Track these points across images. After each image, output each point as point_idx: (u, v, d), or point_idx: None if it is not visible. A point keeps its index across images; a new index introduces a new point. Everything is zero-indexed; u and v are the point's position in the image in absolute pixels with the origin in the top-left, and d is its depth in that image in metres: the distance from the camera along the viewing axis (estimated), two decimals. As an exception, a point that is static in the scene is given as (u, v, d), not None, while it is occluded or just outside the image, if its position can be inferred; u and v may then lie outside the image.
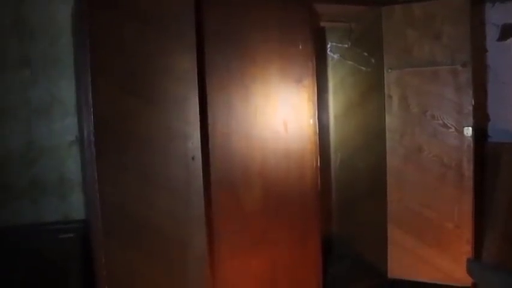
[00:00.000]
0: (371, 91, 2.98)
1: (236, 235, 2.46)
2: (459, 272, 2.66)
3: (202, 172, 2.25)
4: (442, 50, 2.65)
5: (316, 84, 2.59)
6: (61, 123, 2.65)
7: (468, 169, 2.64)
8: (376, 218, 2.94)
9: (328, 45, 3.16)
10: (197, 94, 2.20)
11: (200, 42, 2.26)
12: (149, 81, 2.17)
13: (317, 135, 2.61)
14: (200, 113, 2.23)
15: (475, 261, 2.08)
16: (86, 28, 2.12)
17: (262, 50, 2.46)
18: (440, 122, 2.68)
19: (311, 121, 2.58)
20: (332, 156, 3.33)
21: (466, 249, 2.65)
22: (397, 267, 2.86)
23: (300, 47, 2.54)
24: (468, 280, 2.63)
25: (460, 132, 2.64)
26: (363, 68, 2.98)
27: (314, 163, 2.61)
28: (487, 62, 3.08)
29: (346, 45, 3.09)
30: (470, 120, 2.62)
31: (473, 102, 2.61)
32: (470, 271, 2.21)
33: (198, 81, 2.22)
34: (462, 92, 2.62)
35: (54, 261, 2.38)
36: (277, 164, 2.53)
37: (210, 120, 2.32)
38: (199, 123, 2.22)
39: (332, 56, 3.17)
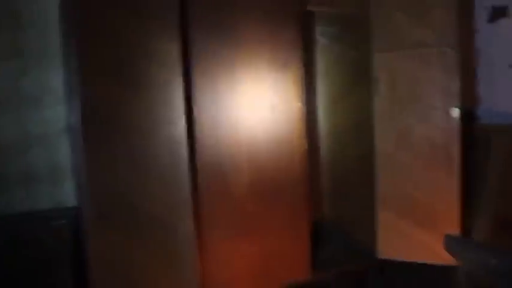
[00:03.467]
0: (361, 75, 2.98)
1: (225, 220, 2.50)
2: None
3: (188, 157, 2.28)
4: (430, 33, 2.65)
5: (303, 68, 2.60)
6: (52, 111, 2.66)
7: (456, 151, 2.65)
8: (367, 201, 2.96)
9: (317, 30, 3.16)
10: (182, 80, 2.23)
11: (185, 28, 2.27)
12: (135, 68, 2.20)
13: (305, 119, 2.63)
14: (185, 99, 2.26)
15: (451, 236, 2.11)
16: (71, 16, 2.14)
17: (249, 35, 2.47)
18: (429, 104, 2.69)
19: (299, 105, 2.60)
20: (323, 139, 3.34)
21: (454, 230, 2.68)
22: (387, 248, 2.89)
23: (287, 31, 2.55)
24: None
25: (448, 114, 2.65)
26: (352, 52, 2.99)
27: (302, 147, 2.63)
28: (477, 44, 3.08)
29: (335, 29, 3.08)
30: (458, 102, 2.63)
31: (460, 84, 2.62)
32: (447, 246, 2.25)
33: (183, 67, 2.24)
34: (450, 74, 2.63)
35: (46, 248, 2.41)
36: (266, 149, 2.55)
37: (195, 106, 2.34)
38: (183, 108, 2.25)
39: (321, 40, 3.16)
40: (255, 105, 2.50)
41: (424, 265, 2.76)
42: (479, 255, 1.99)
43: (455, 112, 2.63)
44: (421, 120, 2.72)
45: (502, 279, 1.91)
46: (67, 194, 2.72)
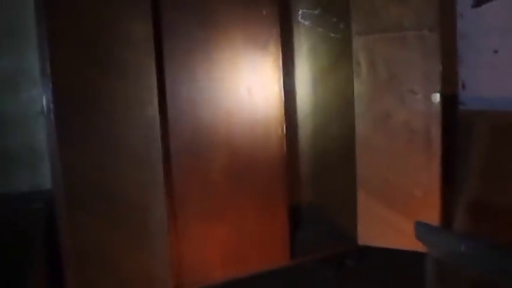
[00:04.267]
0: (342, 57, 2.95)
1: (200, 202, 2.49)
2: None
3: (161, 138, 2.26)
4: (410, 15, 2.60)
5: (281, 50, 2.57)
6: (28, 94, 2.63)
7: (436, 136, 2.62)
8: (348, 185, 2.93)
9: (299, 12, 3.12)
10: (153, 61, 2.20)
11: (157, 8, 2.24)
12: (106, 49, 2.19)
13: (283, 102, 2.60)
14: (158, 80, 2.24)
15: (421, 223, 2.08)
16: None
17: (224, 15, 2.45)
18: (408, 88, 2.66)
19: (276, 88, 2.57)
20: (302, 123, 3.32)
21: (433, 216, 2.64)
22: (367, 233, 2.87)
23: (265, 12, 2.52)
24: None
25: (428, 98, 2.61)
26: (333, 35, 2.95)
27: (280, 130, 2.61)
28: (461, 29, 3.03)
29: (316, 11, 3.05)
30: (438, 86, 2.59)
31: (441, 68, 2.59)
32: (417, 233, 2.21)
33: (155, 48, 2.21)
34: (430, 58, 2.58)
35: (23, 232, 2.40)
36: (243, 132, 2.54)
37: (168, 87, 2.31)
38: (156, 90, 2.23)
39: (303, 23, 3.12)
40: (231, 86, 2.48)
41: (404, 252, 2.74)
42: (448, 242, 1.97)
43: (436, 97, 2.60)
44: (401, 104, 2.68)
45: (470, 265, 1.89)
46: (45, 177, 2.69)
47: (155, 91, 2.22)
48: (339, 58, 3.00)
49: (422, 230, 2.12)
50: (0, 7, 2.56)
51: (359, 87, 2.78)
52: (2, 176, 2.63)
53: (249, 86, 2.51)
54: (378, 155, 2.79)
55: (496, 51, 2.90)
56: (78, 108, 2.17)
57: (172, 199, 2.39)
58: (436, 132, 2.62)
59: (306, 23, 3.11)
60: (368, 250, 2.88)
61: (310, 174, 3.36)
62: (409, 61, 2.64)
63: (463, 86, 3.06)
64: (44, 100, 2.25)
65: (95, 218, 2.22)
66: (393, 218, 2.78)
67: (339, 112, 3.05)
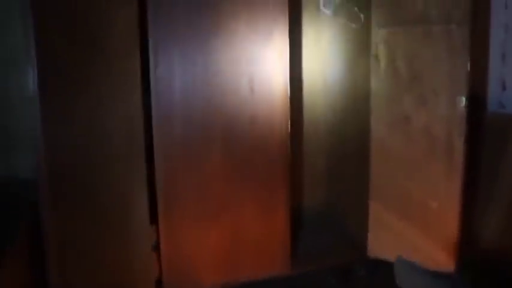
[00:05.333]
0: (361, 51, 2.68)
1: (192, 202, 2.32)
2: (442, 256, 2.40)
3: (144, 133, 2.11)
4: (437, 6, 2.29)
5: (289, 40, 2.34)
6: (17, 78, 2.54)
7: (459, 144, 2.31)
8: (360, 190, 2.70)
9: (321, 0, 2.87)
10: (138, 49, 2.04)
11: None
12: (91, 35, 2.04)
13: (288, 97, 2.38)
14: (144, 70, 2.08)
15: (402, 259, 1.86)
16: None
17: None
18: (430, 89, 2.36)
19: (281, 82, 2.35)
20: (312, 120, 3.09)
21: (450, 232, 2.37)
22: (378, 245, 2.63)
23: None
24: (451, 264, 2.38)
25: (452, 101, 2.31)
26: (353, 25, 2.68)
27: (284, 128, 2.39)
28: (505, 20, 2.68)
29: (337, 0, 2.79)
30: (465, 89, 2.29)
31: (468, 69, 2.28)
32: (396, 269, 2.02)
33: (141, 34, 2.05)
34: (457, 56, 2.27)
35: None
36: (242, 129, 2.34)
37: (154, 78, 2.14)
38: (140, 80, 2.07)
39: (323, 11, 2.87)
40: (230, 79, 2.28)
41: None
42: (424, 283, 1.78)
43: (461, 100, 2.30)
44: (421, 107, 2.39)
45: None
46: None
47: (138, 82, 2.06)
48: (357, 51, 2.73)
49: (401, 266, 1.93)
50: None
51: (376, 85, 2.52)
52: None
53: (250, 78, 2.30)
54: (394, 161, 2.53)
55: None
56: (62, 94, 2.05)
57: (161, 197, 2.25)
58: (459, 139, 2.31)
59: (327, 11, 2.86)
60: (378, 262, 2.64)
61: (319, 176, 3.14)
62: (433, 59, 2.34)
63: (504, 87, 2.73)
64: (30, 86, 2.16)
65: (77, 211, 2.12)
66: (407, 231, 2.52)
67: (355, 111, 2.79)
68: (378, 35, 2.46)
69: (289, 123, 2.40)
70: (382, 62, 2.47)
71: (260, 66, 2.31)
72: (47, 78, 2.01)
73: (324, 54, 3.06)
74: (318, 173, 3.16)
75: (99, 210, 2.15)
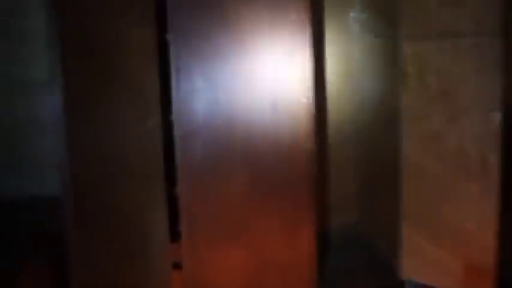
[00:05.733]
0: (389, 66, 2.60)
1: (215, 223, 2.28)
2: (477, 281, 2.27)
3: (164, 152, 2.12)
4: (467, 18, 2.20)
5: (312, 57, 2.29)
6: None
7: (493, 163, 2.20)
8: (393, 209, 2.59)
9: (350, 16, 2.80)
10: (157, 69, 2.06)
11: (162, 8, 2.08)
12: (109, 55, 2.07)
13: (313, 116, 2.32)
14: (164, 90, 2.09)
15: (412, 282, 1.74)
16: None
17: (245, 15, 2.20)
18: (462, 105, 2.25)
19: (305, 100, 2.30)
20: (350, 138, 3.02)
21: (486, 256, 2.24)
22: (411, 268, 2.50)
23: (293, 13, 2.25)
24: (488, 291, 2.24)
25: (485, 118, 2.20)
26: (381, 41, 2.60)
27: (309, 146, 2.33)
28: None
29: (365, 15, 2.72)
30: (498, 105, 2.17)
31: (503, 83, 2.16)
32: None
33: (159, 54, 2.06)
34: (490, 70, 2.16)
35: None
36: (265, 147, 2.29)
37: (175, 97, 2.14)
38: (159, 100, 2.08)
39: (352, 27, 2.81)
40: (252, 98, 2.26)
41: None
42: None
43: (495, 117, 2.17)
44: (452, 124, 2.29)
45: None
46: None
47: (157, 102, 2.07)
48: (388, 67, 2.65)
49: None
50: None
51: (406, 102, 2.42)
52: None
53: (273, 96, 2.26)
54: (426, 182, 2.41)
55: None
56: (84, 117, 2.08)
57: (184, 216, 2.24)
58: (493, 158, 2.20)
59: (356, 27, 2.79)
60: (412, 286, 2.52)
61: (348, 195, 3.05)
62: (464, 73, 2.23)
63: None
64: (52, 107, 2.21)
65: (97, 229, 2.13)
66: (441, 255, 2.39)
67: (386, 128, 2.69)
68: (407, 49, 2.37)
69: (313, 141, 2.34)
70: (411, 77, 2.38)
71: (283, 83, 2.27)
72: (72, 100, 2.05)
73: (352, 70, 2.99)
74: (347, 192, 3.07)
75: (118, 229, 2.15)
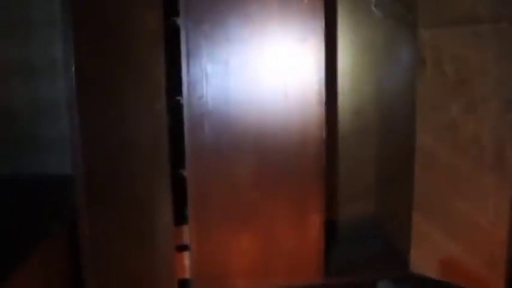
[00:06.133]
0: (408, 53, 2.52)
1: (223, 206, 2.31)
2: (489, 276, 2.20)
3: (170, 137, 2.14)
4: (485, 3, 2.10)
5: (324, 43, 2.25)
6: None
7: (510, 153, 2.11)
8: (406, 200, 2.53)
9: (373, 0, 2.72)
10: (163, 53, 2.07)
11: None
12: (121, 40, 2.09)
13: (323, 104, 2.29)
14: (173, 75, 2.11)
15: (386, 282, 1.68)
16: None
17: (258, 5, 2.20)
18: (480, 94, 2.17)
19: (316, 87, 2.27)
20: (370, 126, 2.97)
21: (499, 253, 2.16)
22: (421, 261, 2.45)
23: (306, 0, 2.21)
24: (498, 285, 2.16)
25: (503, 108, 2.10)
26: (402, 27, 2.52)
27: (319, 135, 2.31)
28: None
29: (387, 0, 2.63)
30: (516, 93, 2.07)
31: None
32: None
33: (171, 40, 2.08)
34: (509, 58, 2.07)
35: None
36: (275, 135, 2.29)
37: (185, 83, 2.16)
38: (165, 84, 2.10)
39: (375, 13, 2.72)
40: (264, 83, 2.24)
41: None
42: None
43: (512, 105, 2.08)
44: (470, 113, 2.20)
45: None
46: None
47: (163, 86, 2.09)
48: (406, 55, 2.57)
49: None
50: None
51: (422, 90, 2.35)
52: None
53: (285, 84, 2.24)
54: (440, 173, 2.34)
55: None
56: (96, 99, 2.11)
57: (191, 200, 2.26)
58: (510, 150, 2.10)
59: (379, 12, 2.71)
60: (422, 280, 2.46)
61: (362, 185, 3.00)
62: (483, 61, 2.14)
63: None
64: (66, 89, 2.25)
65: (107, 212, 2.17)
66: (453, 249, 2.33)
67: (402, 117, 2.62)
68: (424, 36, 2.30)
69: (324, 130, 2.31)
70: (429, 65, 2.30)
71: (295, 72, 2.25)
72: (84, 85, 2.08)
73: (370, 58, 2.92)
74: (360, 182, 3.02)
75: (125, 211, 2.18)
